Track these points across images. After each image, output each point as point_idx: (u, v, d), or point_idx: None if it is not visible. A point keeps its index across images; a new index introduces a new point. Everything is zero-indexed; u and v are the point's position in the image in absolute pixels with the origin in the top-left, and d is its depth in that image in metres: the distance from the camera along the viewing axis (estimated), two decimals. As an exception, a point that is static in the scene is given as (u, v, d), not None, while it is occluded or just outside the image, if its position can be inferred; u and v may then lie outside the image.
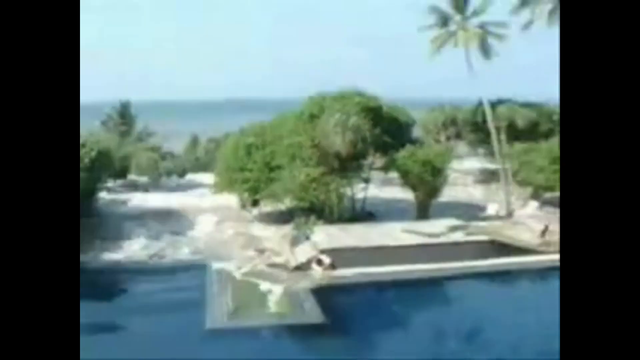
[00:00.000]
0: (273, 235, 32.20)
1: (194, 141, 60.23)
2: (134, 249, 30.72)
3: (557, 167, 39.49)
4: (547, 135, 46.18)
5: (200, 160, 55.87)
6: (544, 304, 26.62)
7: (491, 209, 37.64)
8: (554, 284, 29.32)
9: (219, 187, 37.99)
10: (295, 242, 29.22)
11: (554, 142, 42.35)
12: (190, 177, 50.55)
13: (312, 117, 34.09)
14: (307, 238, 29.39)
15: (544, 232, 30.49)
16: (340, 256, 28.00)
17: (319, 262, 27.43)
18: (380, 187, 40.64)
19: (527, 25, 44.63)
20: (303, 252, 28.14)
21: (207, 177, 45.77)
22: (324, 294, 24.53)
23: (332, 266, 27.40)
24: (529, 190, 41.36)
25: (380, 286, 26.55)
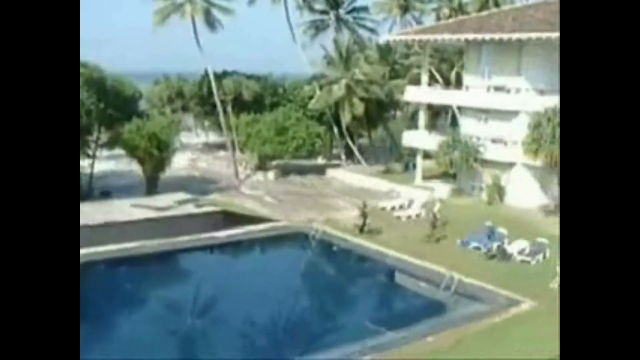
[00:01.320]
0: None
1: None
2: None
3: (282, 138, 41.14)
4: (271, 107, 47.53)
5: None
6: (276, 271, 27.86)
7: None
8: (284, 251, 30.87)
9: None
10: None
11: (279, 114, 43.92)
12: None
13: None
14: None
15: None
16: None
17: None
18: (107, 162, 39.14)
19: (252, 1, 45.92)
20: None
21: None
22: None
23: None
24: (255, 159, 42.48)
25: (110, 263, 25.83)
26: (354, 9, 50.11)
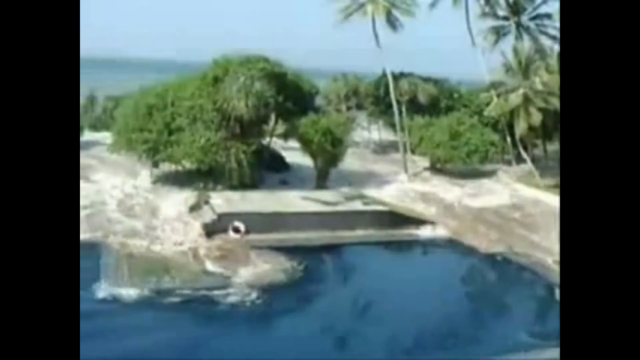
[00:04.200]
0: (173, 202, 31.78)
1: (91, 99, 58.28)
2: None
3: (455, 142, 40.80)
4: (446, 111, 47.27)
5: (97, 119, 54.27)
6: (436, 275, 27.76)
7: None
8: (447, 256, 30.61)
9: (116, 147, 37.06)
10: (195, 207, 29.16)
11: (453, 118, 43.59)
12: (87, 135, 49.11)
13: (216, 80, 33.62)
14: (207, 202, 29.33)
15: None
16: (237, 221, 28.08)
17: (236, 230, 27.66)
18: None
19: (434, 4, 45.68)
20: (206, 215, 28.27)
21: (105, 136, 44.63)
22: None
23: (247, 232, 27.88)
24: (427, 161, 42.53)
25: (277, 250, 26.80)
26: (537, 16, 48.15)
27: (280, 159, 38.74)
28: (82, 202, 28.64)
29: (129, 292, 21.44)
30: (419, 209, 33.34)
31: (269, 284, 23.37)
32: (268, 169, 36.31)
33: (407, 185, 38.59)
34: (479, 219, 32.66)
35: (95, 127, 51.98)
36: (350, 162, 39.05)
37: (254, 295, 22.06)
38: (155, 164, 36.55)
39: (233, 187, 32.28)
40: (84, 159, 39.90)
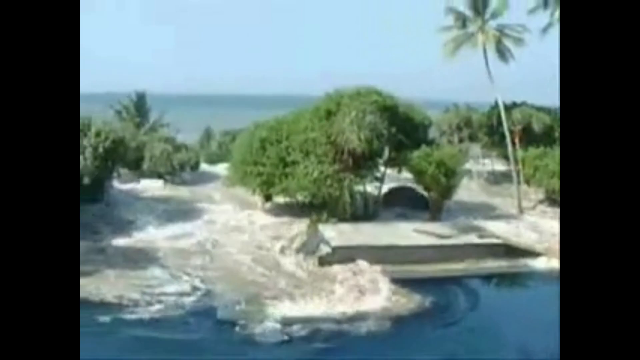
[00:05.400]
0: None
1: (208, 134, 60.30)
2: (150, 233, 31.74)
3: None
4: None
5: (214, 153, 56.00)
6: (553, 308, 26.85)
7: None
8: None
9: (232, 180, 38.13)
10: (308, 246, 29.59)
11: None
12: (203, 169, 50.71)
13: (329, 113, 34.09)
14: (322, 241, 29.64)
15: None
16: (351, 255, 28.17)
17: None
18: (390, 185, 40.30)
19: (546, 29, 44.56)
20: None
21: (221, 170, 45.99)
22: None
23: None
24: (541, 193, 41.59)
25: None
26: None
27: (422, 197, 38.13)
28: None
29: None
30: (533, 240, 32.52)
31: (398, 315, 23.24)
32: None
33: (522, 217, 37.84)
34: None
35: (211, 161, 53.67)
36: (464, 194, 38.63)
37: (387, 325, 22.02)
38: (268, 198, 37.35)
39: (345, 220, 32.51)
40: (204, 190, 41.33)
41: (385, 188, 37.70)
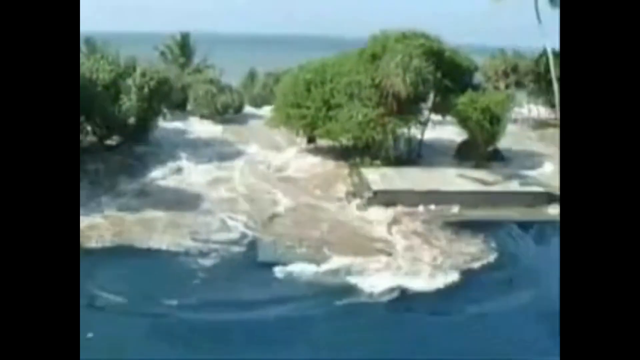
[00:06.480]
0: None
1: (252, 75, 60.07)
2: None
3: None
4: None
5: (257, 94, 55.90)
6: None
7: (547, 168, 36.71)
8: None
9: (275, 122, 38.21)
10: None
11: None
12: (247, 110, 50.80)
13: (374, 56, 33.79)
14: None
15: None
16: (393, 198, 28.23)
17: None
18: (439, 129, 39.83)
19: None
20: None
21: (265, 113, 46.06)
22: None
23: None
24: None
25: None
26: None
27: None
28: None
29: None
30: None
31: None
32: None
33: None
34: None
35: (255, 103, 53.70)
36: (509, 140, 38.15)
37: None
38: (311, 140, 37.43)
39: (389, 163, 32.48)
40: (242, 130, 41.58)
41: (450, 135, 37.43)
